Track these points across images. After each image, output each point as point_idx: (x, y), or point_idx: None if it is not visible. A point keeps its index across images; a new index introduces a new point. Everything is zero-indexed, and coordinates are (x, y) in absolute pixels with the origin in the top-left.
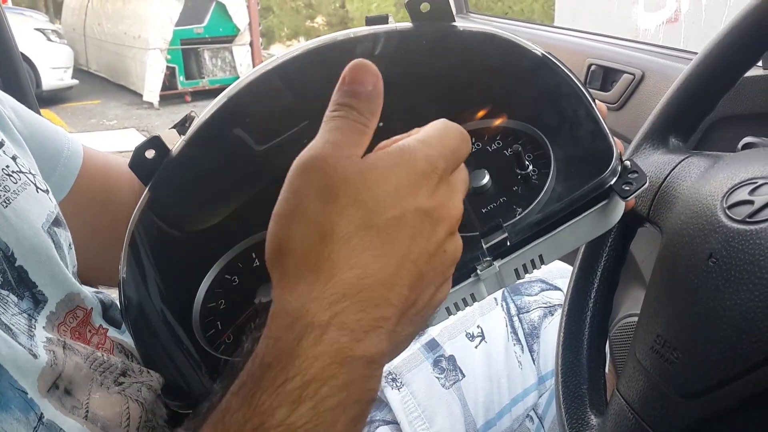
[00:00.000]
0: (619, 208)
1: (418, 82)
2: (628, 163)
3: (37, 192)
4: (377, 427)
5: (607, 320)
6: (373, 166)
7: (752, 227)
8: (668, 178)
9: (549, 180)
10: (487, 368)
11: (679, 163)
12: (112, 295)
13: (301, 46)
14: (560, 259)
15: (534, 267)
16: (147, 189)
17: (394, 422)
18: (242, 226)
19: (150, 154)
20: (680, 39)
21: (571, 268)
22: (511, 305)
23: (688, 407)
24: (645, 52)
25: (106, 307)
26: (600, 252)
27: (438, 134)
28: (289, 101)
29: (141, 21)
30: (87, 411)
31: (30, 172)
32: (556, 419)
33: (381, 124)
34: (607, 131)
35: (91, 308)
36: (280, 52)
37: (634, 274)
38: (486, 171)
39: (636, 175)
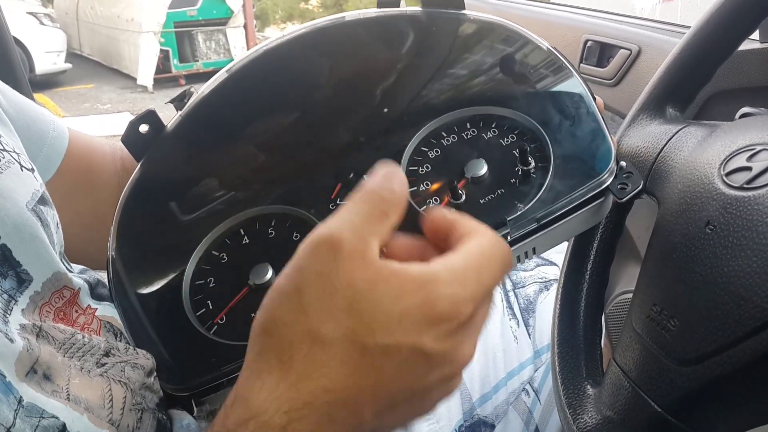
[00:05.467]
0: (609, 203)
1: (424, 66)
2: (623, 163)
3: (22, 170)
4: None
5: (603, 292)
6: (385, 280)
7: (750, 193)
8: (665, 147)
9: (549, 177)
10: (483, 342)
11: (677, 132)
12: (98, 275)
13: (307, 24)
14: None
15: (526, 258)
16: (139, 166)
17: None
18: (232, 203)
19: (144, 128)
20: (676, 18)
21: (566, 242)
22: (507, 280)
23: (685, 374)
24: (641, 27)
25: (92, 287)
26: (596, 224)
27: (478, 266)
28: (291, 80)
29: (133, 4)
30: (68, 394)
31: (14, 151)
32: (552, 392)
33: (386, 110)
34: (607, 131)
35: (79, 288)
36: (276, 34)
37: (630, 250)
38: (485, 161)
39: (631, 176)
